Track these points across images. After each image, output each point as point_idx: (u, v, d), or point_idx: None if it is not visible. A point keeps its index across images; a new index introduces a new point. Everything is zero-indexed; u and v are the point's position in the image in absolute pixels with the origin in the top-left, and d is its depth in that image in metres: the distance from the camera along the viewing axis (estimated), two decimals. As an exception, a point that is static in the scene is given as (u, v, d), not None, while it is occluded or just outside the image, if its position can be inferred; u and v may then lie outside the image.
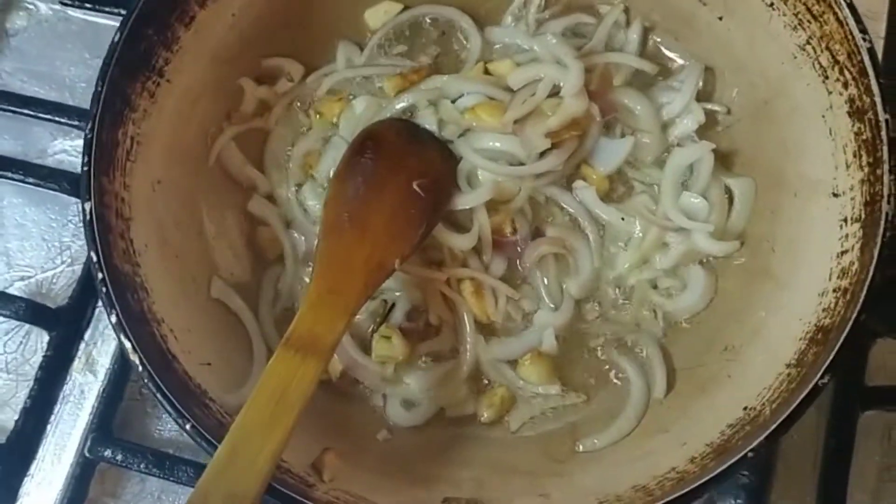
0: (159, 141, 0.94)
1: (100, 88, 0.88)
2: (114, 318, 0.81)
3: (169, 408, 0.79)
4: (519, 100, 1.01)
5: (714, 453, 0.82)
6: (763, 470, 0.98)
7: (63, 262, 1.13)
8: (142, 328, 0.83)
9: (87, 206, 0.84)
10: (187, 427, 0.78)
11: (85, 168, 0.85)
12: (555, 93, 1.01)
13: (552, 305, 1.00)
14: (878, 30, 1.16)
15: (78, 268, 1.12)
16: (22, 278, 1.13)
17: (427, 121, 1.04)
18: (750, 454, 0.77)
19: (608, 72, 1.05)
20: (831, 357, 0.79)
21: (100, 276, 0.82)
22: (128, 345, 0.80)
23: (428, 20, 1.11)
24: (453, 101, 1.03)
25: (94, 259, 0.83)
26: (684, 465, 0.82)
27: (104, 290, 0.82)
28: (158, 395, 0.79)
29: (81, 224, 1.07)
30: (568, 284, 1.00)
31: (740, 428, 0.83)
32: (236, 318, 0.98)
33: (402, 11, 1.10)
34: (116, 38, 0.89)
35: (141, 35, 0.91)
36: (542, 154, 1.00)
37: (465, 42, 1.10)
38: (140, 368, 0.79)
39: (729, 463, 0.77)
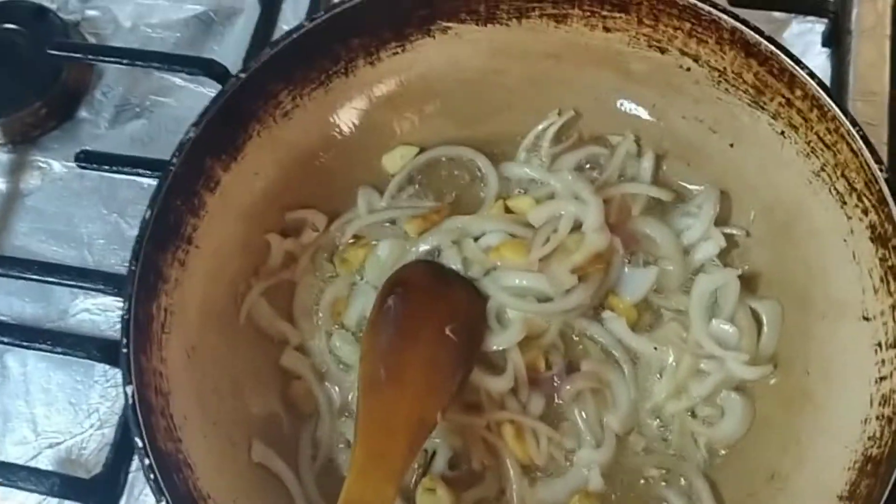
0: (192, 307, 0.95)
1: (134, 268, 0.88)
2: (163, 504, 0.80)
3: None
4: (542, 238, 1.02)
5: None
6: None
7: (91, 426, 1.12)
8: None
9: (130, 389, 0.84)
10: None
11: (125, 351, 0.85)
12: (576, 227, 1.03)
13: (594, 442, 0.99)
14: (881, 135, 1.19)
15: (107, 430, 1.10)
16: (50, 445, 1.11)
17: (452, 260, 1.05)
18: None
19: (626, 203, 1.07)
20: (887, 492, 0.79)
21: (146, 462, 0.81)
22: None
23: (444, 160, 1.13)
24: (475, 240, 1.05)
25: (140, 444, 0.82)
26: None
27: (153, 476, 0.81)
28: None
29: (110, 387, 1.13)
30: (608, 419, 1.00)
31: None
32: (278, 479, 0.96)
33: (418, 154, 1.12)
34: (147, 215, 0.90)
35: (170, 207, 0.92)
36: (569, 290, 1.01)
37: (481, 180, 1.12)
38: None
39: None
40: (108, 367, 1.14)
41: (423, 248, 1.06)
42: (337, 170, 1.10)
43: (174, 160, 0.92)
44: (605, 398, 1.01)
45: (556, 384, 1.01)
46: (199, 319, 0.96)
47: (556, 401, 1.01)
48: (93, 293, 1.18)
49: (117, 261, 1.20)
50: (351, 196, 1.11)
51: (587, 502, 0.96)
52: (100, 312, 1.18)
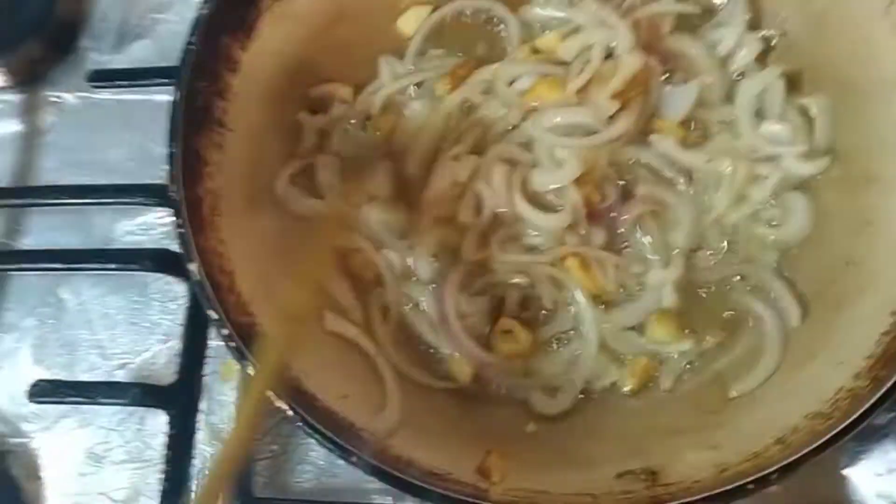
0: (237, 191, 0.93)
1: (174, 149, 0.87)
2: (251, 370, 0.79)
3: (330, 445, 0.77)
4: (576, 69, 1.00)
5: (879, 363, 0.79)
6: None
7: (157, 341, 1.12)
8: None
9: (194, 266, 0.83)
10: (353, 460, 0.76)
11: (181, 230, 0.84)
12: (608, 55, 1.01)
13: (662, 263, 0.97)
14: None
15: (174, 343, 1.10)
16: (121, 366, 1.11)
17: (491, 110, 1.03)
18: (923, 356, 0.75)
19: (654, 23, 1.04)
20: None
21: (225, 331, 0.81)
22: (271, 393, 0.78)
23: (463, 14, 1.10)
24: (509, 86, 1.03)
25: (215, 316, 0.81)
26: (851, 382, 0.80)
27: (233, 344, 0.80)
28: (316, 436, 0.77)
29: (168, 301, 1.12)
30: (673, 238, 0.98)
31: (896, 332, 0.81)
32: (356, 345, 0.96)
33: (433, 12, 1.09)
34: (177, 97, 0.88)
35: (197, 89, 0.91)
36: (612, 117, 0.98)
37: (504, 30, 1.09)
38: (291, 412, 0.77)
39: (903, 367, 0.75)
40: (162, 282, 1.13)
41: (454, 102, 1.04)
42: (354, 41, 1.07)
43: (191, 39, 0.90)
44: (666, 219, 0.99)
45: (614, 215, 0.99)
46: (248, 203, 0.95)
47: (618, 230, 0.99)
48: (132, 214, 1.17)
49: (150, 179, 1.18)
50: (373, 67, 1.09)
51: (664, 320, 0.95)
52: (143, 232, 1.17)
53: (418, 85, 1.07)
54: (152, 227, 1.16)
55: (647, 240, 0.98)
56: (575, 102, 0.99)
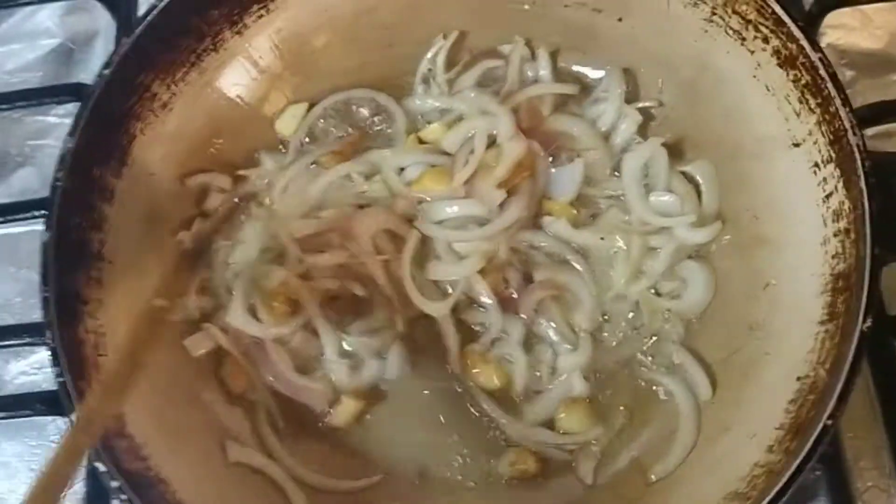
0: (122, 326, 0.89)
1: (46, 293, 0.83)
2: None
3: None
4: (461, 160, 1.00)
5: (790, 434, 0.79)
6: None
7: (59, 487, 1.05)
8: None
9: (75, 417, 0.78)
10: None
11: (59, 379, 0.80)
12: (491, 143, 1.01)
13: (569, 347, 0.96)
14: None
15: (78, 487, 1.02)
16: (22, 519, 1.04)
17: (379, 194, 1.02)
18: (829, 422, 0.74)
19: (534, 106, 1.04)
20: (864, 300, 0.78)
21: (114, 483, 0.76)
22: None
23: (342, 107, 1.09)
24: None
25: (103, 468, 0.77)
26: (765, 456, 0.79)
27: (125, 496, 0.76)
28: None
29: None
30: (577, 319, 0.97)
31: (804, 400, 0.80)
32: (260, 473, 0.91)
33: (310, 109, 1.08)
34: (46, 239, 0.85)
35: (69, 226, 0.87)
36: (503, 205, 0.98)
37: (385, 119, 1.08)
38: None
39: (812, 438, 0.74)
40: (60, 421, 1.07)
41: (335, 177, 1.03)
42: (235, 152, 1.05)
43: (59, 175, 0.86)
44: (567, 302, 0.98)
45: (515, 299, 0.98)
46: (135, 337, 0.90)
47: (520, 315, 0.98)
48: (24, 354, 1.12)
49: (39, 315, 1.13)
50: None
51: (575, 408, 0.93)
52: (36, 371, 1.12)
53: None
54: (46, 364, 1.10)
55: (551, 325, 0.97)
56: (462, 194, 0.99)
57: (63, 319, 0.83)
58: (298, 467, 0.92)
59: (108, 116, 0.92)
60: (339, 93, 1.07)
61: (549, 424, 0.94)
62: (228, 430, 0.94)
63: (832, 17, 1.14)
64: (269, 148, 1.07)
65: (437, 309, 0.96)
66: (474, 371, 0.95)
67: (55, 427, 1.08)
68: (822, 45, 1.07)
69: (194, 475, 0.85)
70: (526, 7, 1.05)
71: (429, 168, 1.01)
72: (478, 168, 0.99)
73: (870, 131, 1.03)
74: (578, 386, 0.94)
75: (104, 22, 1.29)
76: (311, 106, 1.07)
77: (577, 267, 0.99)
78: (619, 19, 1.01)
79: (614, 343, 0.98)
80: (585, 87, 1.07)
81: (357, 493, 0.94)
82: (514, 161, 0.98)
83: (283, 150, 1.07)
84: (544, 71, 1.06)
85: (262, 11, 1.00)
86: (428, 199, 1.00)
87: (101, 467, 0.77)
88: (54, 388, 1.05)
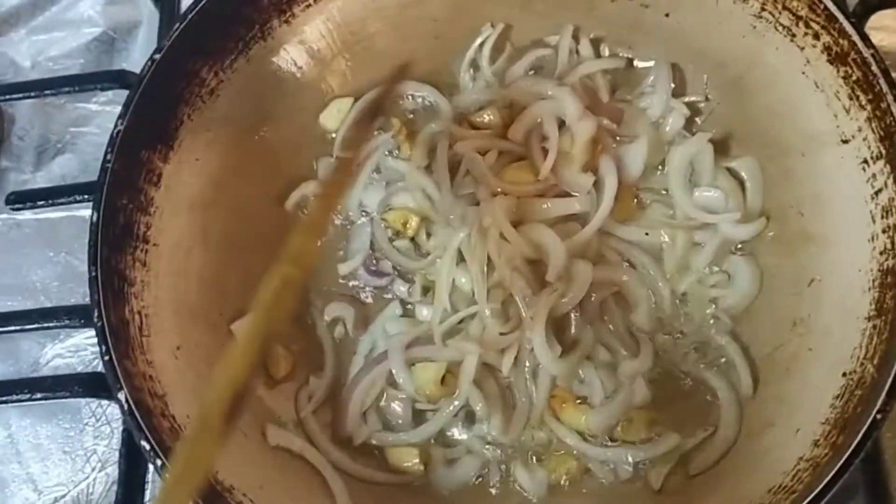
0: (165, 307, 0.90)
1: (94, 273, 0.83)
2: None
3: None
4: (536, 149, 0.99)
5: (836, 429, 0.78)
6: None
7: (93, 469, 1.06)
8: (218, 502, 0.77)
9: (122, 395, 0.79)
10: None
11: (106, 358, 0.80)
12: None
13: (627, 353, 0.96)
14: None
15: (111, 469, 1.05)
16: (56, 500, 1.05)
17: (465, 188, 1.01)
18: (878, 416, 0.73)
19: (590, 86, 1.04)
20: (915, 294, 0.77)
21: (159, 462, 0.76)
22: None
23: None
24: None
25: (147, 447, 0.77)
26: (810, 451, 0.78)
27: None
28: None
29: (102, 425, 1.07)
30: (635, 321, 0.97)
31: (850, 395, 0.79)
32: (300, 458, 0.91)
33: (355, 103, 1.08)
34: (94, 218, 0.85)
35: (117, 207, 0.88)
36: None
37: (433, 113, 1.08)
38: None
39: (861, 432, 0.73)
40: (95, 406, 1.09)
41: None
42: (279, 141, 1.05)
43: (108, 156, 0.87)
44: (625, 301, 0.98)
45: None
46: (177, 319, 0.91)
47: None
48: (61, 337, 1.13)
49: (77, 298, 1.14)
50: (299, 166, 1.07)
51: (639, 416, 0.92)
52: (72, 354, 1.13)
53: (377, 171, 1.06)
54: (82, 348, 1.12)
55: (609, 328, 0.97)
56: (552, 181, 0.98)
57: (109, 300, 0.83)
58: (336, 452, 0.92)
59: (156, 101, 0.92)
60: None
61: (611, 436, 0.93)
62: (271, 413, 0.94)
63: (875, 20, 1.13)
64: (312, 144, 1.08)
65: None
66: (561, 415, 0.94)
67: (89, 410, 1.09)
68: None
69: (235, 456, 0.85)
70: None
71: (511, 161, 1.01)
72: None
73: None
74: (641, 394, 0.93)
75: (147, 12, 1.31)
76: (356, 99, 1.07)
77: (625, 265, 0.99)
78: (667, 14, 1.01)
79: (668, 342, 0.97)
80: (632, 70, 1.06)
81: (394, 486, 0.94)
82: (587, 141, 0.97)
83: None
84: (587, 52, 1.06)
85: (311, 1, 1.01)
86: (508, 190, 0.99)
87: (145, 446, 0.77)
88: (90, 370, 1.09)
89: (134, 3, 1.32)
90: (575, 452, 0.93)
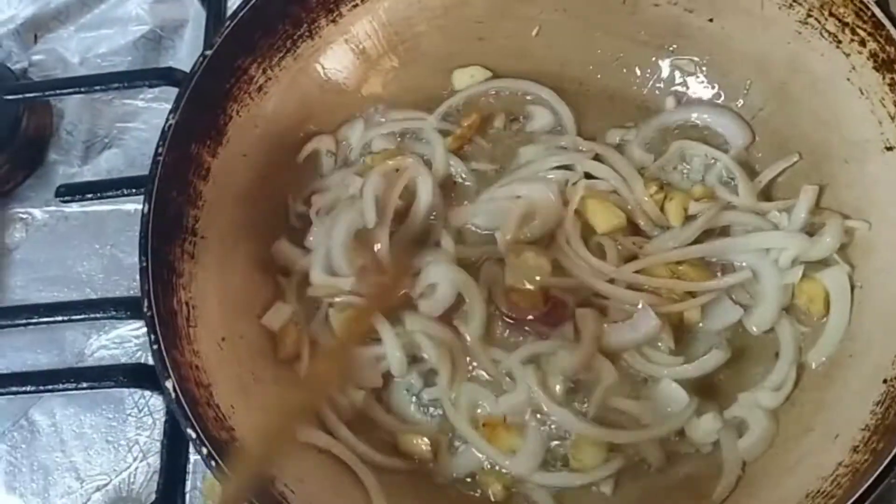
0: (211, 299, 0.92)
1: (144, 263, 0.85)
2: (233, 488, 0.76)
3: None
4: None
5: (877, 435, 0.78)
6: None
7: (135, 459, 1.08)
8: (262, 493, 0.78)
9: (170, 383, 0.80)
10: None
11: (155, 347, 0.82)
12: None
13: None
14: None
15: (152, 459, 1.06)
16: (98, 489, 1.07)
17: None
18: (922, 422, 0.73)
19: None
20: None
21: (204, 450, 0.78)
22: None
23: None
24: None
25: (194, 435, 0.78)
26: (849, 456, 0.78)
27: (213, 463, 0.77)
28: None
29: (144, 416, 1.09)
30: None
31: (891, 402, 0.79)
32: (328, 453, 0.92)
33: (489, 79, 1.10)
34: (146, 209, 0.87)
35: (167, 200, 0.90)
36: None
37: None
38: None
39: (902, 438, 0.73)
40: (138, 396, 1.10)
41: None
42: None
43: (160, 149, 0.89)
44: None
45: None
46: (222, 310, 0.93)
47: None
48: (105, 328, 1.15)
49: (122, 290, 1.16)
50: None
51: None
52: (116, 346, 1.15)
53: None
54: (126, 340, 1.14)
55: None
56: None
57: (158, 290, 0.85)
58: (361, 446, 0.93)
59: (207, 96, 0.95)
60: (522, 81, 1.09)
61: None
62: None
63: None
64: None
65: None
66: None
67: (132, 401, 1.11)
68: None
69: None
70: (615, 3, 1.05)
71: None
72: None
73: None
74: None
75: (193, 11, 1.33)
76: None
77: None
78: (711, 19, 1.01)
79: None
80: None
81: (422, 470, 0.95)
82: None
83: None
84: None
85: (358, 0, 1.02)
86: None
87: (191, 433, 0.79)
88: (134, 361, 1.11)
89: (181, 2, 1.35)
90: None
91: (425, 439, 0.94)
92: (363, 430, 0.95)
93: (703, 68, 1.05)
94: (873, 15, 0.88)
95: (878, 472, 0.73)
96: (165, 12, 1.36)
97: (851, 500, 0.72)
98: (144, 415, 1.10)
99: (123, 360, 1.13)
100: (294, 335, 0.98)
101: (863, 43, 0.89)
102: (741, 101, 1.04)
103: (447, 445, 0.95)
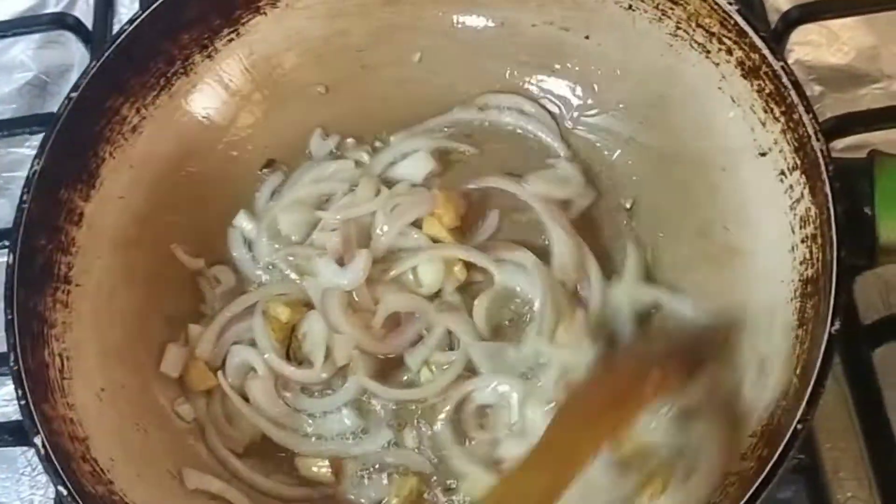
0: (89, 348, 0.89)
1: (10, 316, 0.82)
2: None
3: None
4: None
5: (762, 441, 0.78)
6: (806, 446, 0.94)
7: (29, 519, 1.03)
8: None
9: (38, 440, 0.77)
10: None
11: (22, 402, 0.79)
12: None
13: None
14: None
15: (46, 511, 1.02)
16: (-8, 555, 1.02)
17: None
18: (799, 426, 0.73)
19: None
20: (832, 303, 0.77)
21: (76, 506, 0.75)
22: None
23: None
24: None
25: (65, 492, 0.75)
26: (738, 465, 0.78)
27: (88, 521, 0.74)
28: None
29: (39, 475, 1.04)
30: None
31: (776, 406, 0.79)
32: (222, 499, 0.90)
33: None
34: (10, 260, 0.85)
35: (35, 248, 0.87)
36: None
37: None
38: None
39: (784, 442, 0.73)
40: (31, 454, 1.06)
41: None
42: (206, 177, 1.05)
43: (24, 197, 0.86)
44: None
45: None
46: (101, 360, 0.90)
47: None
48: (-7, 384, 1.10)
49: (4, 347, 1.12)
50: (225, 202, 1.06)
51: None
52: (6, 403, 1.10)
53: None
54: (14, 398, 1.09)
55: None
56: None
57: (27, 343, 0.82)
58: (265, 482, 0.91)
59: (75, 139, 0.92)
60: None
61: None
62: (186, 456, 0.92)
63: (799, 34, 1.16)
64: (238, 171, 1.07)
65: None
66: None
67: (24, 460, 1.06)
68: (790, 61, 1.09)
69: (159, 500, 0.84)
70: (494, 27, 1.05)
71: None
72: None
73: (839, 143, 1.04)
74: None
75: (79, 55, 1.30)
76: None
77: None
78: (587, 36, 1.02)
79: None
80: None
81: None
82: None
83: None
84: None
85: (233, 35, 1.01)
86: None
87: (62, 490, 0.76)
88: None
89: (66, 47, 1.32)
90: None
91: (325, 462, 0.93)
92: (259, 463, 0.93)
93: (584, 84, 1.06)
94: (736, 23, 0.89)
95: (761, 479, 0.72)
96: (50, 59, 1.33)
97: (737, 510, 0.72)
98: (38, 473, 1.05)
99: (14, 417, 1.08)
100: (198, 369, 0.96)
101: (729, 51, 0.91)
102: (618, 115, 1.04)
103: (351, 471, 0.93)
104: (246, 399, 0.96)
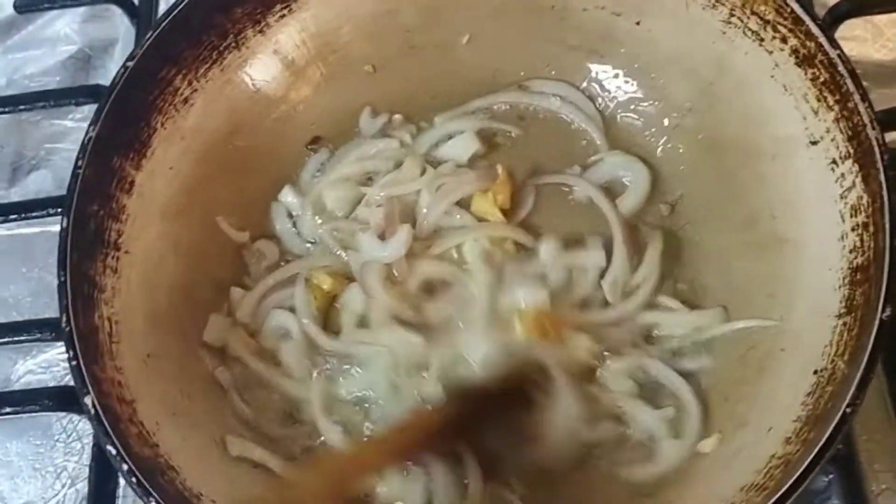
0: (136, 314, 0.89)
1: (63, 278, 0.83)
2: (154, 504, 0.73)
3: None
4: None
5: (807, 426, 0.77)
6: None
7: (63, 486, 1.04)
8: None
9: (89, 399, 0.78)
10: None
11: (73, 363, 0.79)
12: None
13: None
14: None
15: (81, 486, 1.02)
16: (25, 518, 1.03)
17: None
18: (848, 410, 0.73)
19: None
20: (884, 290, 0.77)
21: (125, 467, 0.75)
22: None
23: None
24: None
25: (114, 451, 0.75)
26: (782, 448, 0.78)
27: (134, 480, 0.74)
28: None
29: (73, 441, 1.05)
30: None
31: (821, 392, 0.79)
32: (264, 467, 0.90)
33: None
34: (64, 223, 0.85)
35: (87, 214, 0.87)
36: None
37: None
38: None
39: (831, 427, 0.73)
40: (66, 421, 1.07)
41: None
42: (253, 151, 1.05)
43: (80, 162, 0.87)
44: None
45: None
46: (148, 325, 0.90)
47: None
48: (33, 352, 1.11)
49: (51, 313, 1.12)
50: (271, 177, 1.07)
51: None
52: (44, 370, 1.11)
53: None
54: (54, 364, 1.11)
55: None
56: None
57: (78, 305, 0.83)
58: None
59: (129, 108, 0.92)
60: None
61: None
62: (229, 424, 0.93)
63: (844, 30, 1.15)
64: (286, 147, 1.08)
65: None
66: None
67: (60, 426, 1.07)
68: (834, 55, 1.09)
69: (202, 465, 0.84)
70: (544, 10, 1.05)
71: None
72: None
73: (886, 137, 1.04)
74: None
75: (123, 29, 1.31)
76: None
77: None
78: (638, 22, 1.02)
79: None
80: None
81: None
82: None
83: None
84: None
85: (285, 10, 1.01)
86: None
87: (111, 450, 0.76)
88: (62, 384, 1.07)
89: (110, 21, 1.33)
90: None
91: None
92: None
93: (632, 71, 1.06)
94: (792, 11, 0.89)
95: (807, 463, 0.72)
96: (95, 31, 1.34)
97: (781, 491, 0.72)
98: (73, 440, 1.06)
99: (52, 384, 1.09)
100: (240, 339, 0.97)
101: (784, 40, 0.90)
102: (667, 102, 1.04)
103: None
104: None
